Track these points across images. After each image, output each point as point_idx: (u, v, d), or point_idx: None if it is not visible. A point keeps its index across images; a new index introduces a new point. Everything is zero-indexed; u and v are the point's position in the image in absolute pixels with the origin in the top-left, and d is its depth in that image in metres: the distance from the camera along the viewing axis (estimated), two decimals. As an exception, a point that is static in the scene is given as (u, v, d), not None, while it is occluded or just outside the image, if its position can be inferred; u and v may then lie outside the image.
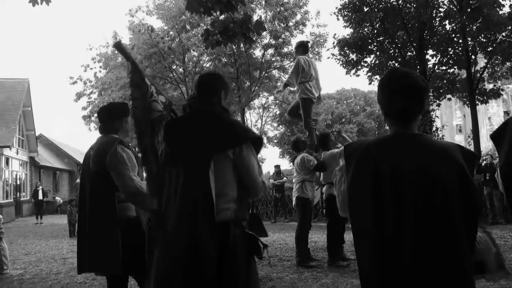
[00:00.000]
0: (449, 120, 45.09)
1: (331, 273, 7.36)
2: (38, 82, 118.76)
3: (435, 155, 2.15)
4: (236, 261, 2.85)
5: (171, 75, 32.10)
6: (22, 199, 29.63)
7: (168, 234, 2.91)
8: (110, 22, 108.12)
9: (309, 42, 8.70)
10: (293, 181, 8.68)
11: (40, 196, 24.89)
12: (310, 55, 31.60)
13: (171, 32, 31.30)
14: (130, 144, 4.46)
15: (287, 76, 32.57)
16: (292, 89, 11.58)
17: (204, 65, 33.64)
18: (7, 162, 26.81)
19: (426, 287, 2.06)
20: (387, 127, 2.37)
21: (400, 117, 2.26)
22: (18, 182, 29.52)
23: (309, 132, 8.42)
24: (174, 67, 32.70)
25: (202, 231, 2.77)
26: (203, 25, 27.15)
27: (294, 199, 8.51)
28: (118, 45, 3.89)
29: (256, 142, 3.12)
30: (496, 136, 2.43)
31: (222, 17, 7.81)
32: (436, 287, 2.07)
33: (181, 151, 3.02)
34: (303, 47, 8.56)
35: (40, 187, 25.71)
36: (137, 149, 4.06)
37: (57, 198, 32.26)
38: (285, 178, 19.33)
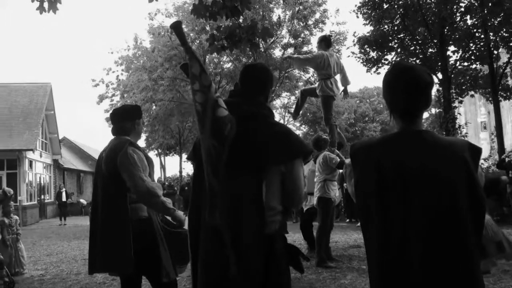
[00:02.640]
0: (474, 117, 44.46)
1: (350, 273, 7.30)
2: (62, 86, 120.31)
3: (440, 152, 2.11)
4: (280, 273, 2.72)
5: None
6: (46, 201, 30.07)
7: (214, 244, 2.67)
8: (131, 25, 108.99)
9: (331, 35, 8.51)
10: (315, 180, 8.56)
11: (64, 198, 25.33)
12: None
13: (191, 34, 31.41)
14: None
15: (308, 75, 32.41)
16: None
17: (224, 66, 33.72)
18: (30, 165, 27.21)
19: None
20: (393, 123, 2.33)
21: (405, 112, 2.23)
22: (42, 184, 29.96)
23: (330, 129, 8.28)
24: (195, 68, 32.77)
25: (250, 244, 2.60)
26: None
27: (315, 199, 8.39)
28: (176, 27, 3.02)
29: (307, 155, 2.95)
30: None
31: (227, 22, 7.82)
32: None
33: (232, 156, 2.66)
34: (325, 41, 8.21)
35: (64, 189, 26.14)
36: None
37: (80, 200, 32.67)
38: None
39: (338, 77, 8.16)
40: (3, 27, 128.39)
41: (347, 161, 2.44)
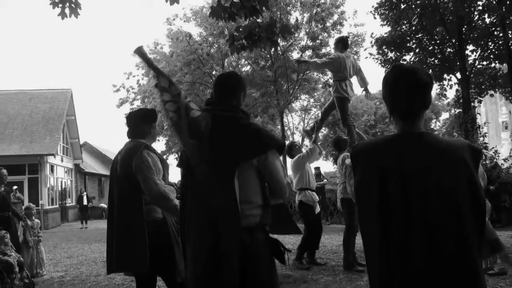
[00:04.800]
0: (495, 117, 43.94)
1: (366, 275, 7.28)
2: (83, 92, 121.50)
3: (440, 153, 2.12)
4: (259, 265, 2.88)
5: (211, 80, 32.37)
6: (67, 204, 30.48)
7: (194, 238, 2.95)
8: (152, 30, 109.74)
9: (348, 37, 8.45)
10: (337, 182, 8.54)
11: (85, 202, 25.68)
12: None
13: (209, 38, 31.55)
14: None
15: (326, 77, 32.27)
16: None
17: (243, 69, 33.79)
18: (52, 169, 27.58)
19: None
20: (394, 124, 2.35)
21: (405, 113, 2.25)
22: (64, 189, 30.36)
23: (348, 129, 8.23)
24: (214, 72, 32.95)
25: (226, 237, 2.79)
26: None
27: (338, 200, 8.35)
28: (139, 51, 3.68)
29: (282, 147, 3.11)
30: None
31: (246, 22, 7.84)
32: None
33: (206, 157, 2.97)
34: (342, 43, 8.13)
35: (85, 193, 26.54)
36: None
37: (101, 204, 33.01)
38: (325, 180, 19.17)
39: (354, 79, 8.14)
40: (26, 34, 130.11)
41: (347, 161, 2.48)
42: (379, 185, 2.16)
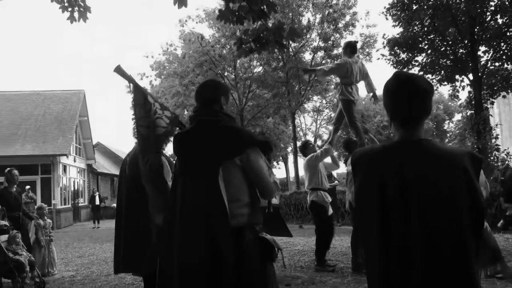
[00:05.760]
0: (508, 118, 43.46)
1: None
2: (97, 92, 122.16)
3: (440, 161, 2.14)
4: (251, 265, 2.93)
5: (223, 81, 32.42)
6: (80, 204, 30.79)
7: (183, 243, 3.01)
8: (166, 30, 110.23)
9: (357, 42, 8.44)
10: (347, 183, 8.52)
11: (97, 202, 25.91)
12: (360, 56, 31.47)
13: (222, 40, 31.61)
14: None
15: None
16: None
17: (254, 70, 33.83)
18: (64, 170, 27.91)
19: None
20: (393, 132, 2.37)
21: (405, 120, 2.26)
22: (76, 189, 30.66)
23: (356, 131, 8.24)
24: (226, 73, 33.02)
25: (220, 237, 2.87)
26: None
27: (347, 202, 8.34)
28: (118, 69, 4.10)
29: (264, 146, 3.20)
30: None
31: (255, 25, 7.87)
32: None
33: (190, 162, 3.15)
34: (351, 48, 8.15)
35: (97, 193, 26.81)
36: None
37: (113, 204, 33.20)
38: (336, 182, 19.12)
39: (362, 84, 8.16)
40: (39, 35, 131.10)
41: (349, 168, 2.52)
42: (379, 191, 2.18)
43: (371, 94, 8.40)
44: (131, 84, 4.05)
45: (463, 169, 2.09)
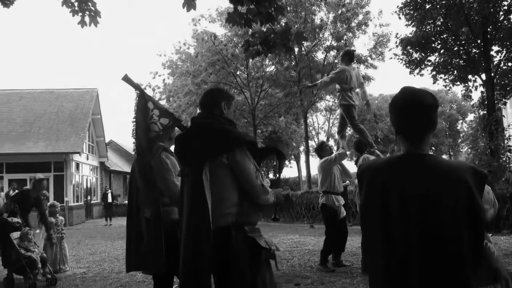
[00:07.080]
0: (521, 118, 43.19)
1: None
2: (110, 91, 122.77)
3: (442, 176, 2.15)
4: (238, 264, 3.00)
5: (235, 80, 32.45)
6: (92, 202, 31.04)
7: (183, 238, 3.18)
8: (180, 29, 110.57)
9: (355, 50, 8.71)
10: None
11: (110, 199, 26.06)
12: (373, 56, 31.35)
13: (234, 39, 31.62)
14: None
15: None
16: None
17: (267, 69, 33.82)
18: (77, 167, 28.14)
19: None
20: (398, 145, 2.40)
21: (409, 135, 2.29)
22: (89, 186, 30.89)
23: (360, 133, 8.41)
24: (238, 72, 33.04)
25: (201, 234, 2.99)
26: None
27: (358, 202, 8.39)
28: (126, 78, 4.49)
29: (252, 147, 3.25)
30: None
31: (262, 28, 7.93)
32: None
33: (185, 161, 3.35)
34: (349, 56, 8.59)
35: (109, 191, 26.95)
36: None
37: (126, 202, 33.37)
38: (347, 181, 19.07)
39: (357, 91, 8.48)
40: (53, 34, 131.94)
41: (356, 181, 2.57)
42: (381, 203, 2.22)
43: (364, 102, 8.74)
44: (138, 91, 4.60)
45: (464, 183, 2.10)
